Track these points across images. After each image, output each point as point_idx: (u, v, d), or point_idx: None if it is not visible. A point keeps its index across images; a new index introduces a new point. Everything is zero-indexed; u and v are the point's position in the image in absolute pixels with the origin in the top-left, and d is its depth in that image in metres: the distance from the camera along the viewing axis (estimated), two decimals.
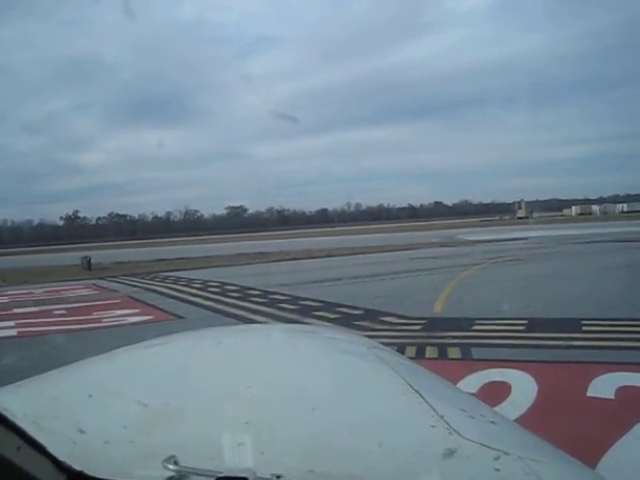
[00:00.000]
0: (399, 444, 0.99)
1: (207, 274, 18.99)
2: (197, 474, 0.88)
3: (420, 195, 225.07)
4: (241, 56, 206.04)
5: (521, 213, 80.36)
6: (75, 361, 1.51)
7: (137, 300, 13.17)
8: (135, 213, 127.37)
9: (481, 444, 0.97)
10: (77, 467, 0.90)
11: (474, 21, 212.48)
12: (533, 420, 3.81)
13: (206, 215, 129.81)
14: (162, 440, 1.01)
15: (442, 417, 1.05)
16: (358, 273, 16.15)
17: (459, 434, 0.99)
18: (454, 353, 6.27)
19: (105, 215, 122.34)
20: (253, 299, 12.07)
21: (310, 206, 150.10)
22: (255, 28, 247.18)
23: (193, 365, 1.42)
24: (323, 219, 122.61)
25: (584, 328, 7.10)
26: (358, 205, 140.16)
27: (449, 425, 1.02)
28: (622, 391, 4.44)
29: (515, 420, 2.11)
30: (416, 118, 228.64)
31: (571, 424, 3.82)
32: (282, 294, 12.41)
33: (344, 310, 9.72)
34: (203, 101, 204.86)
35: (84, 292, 15.86)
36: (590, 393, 4.50)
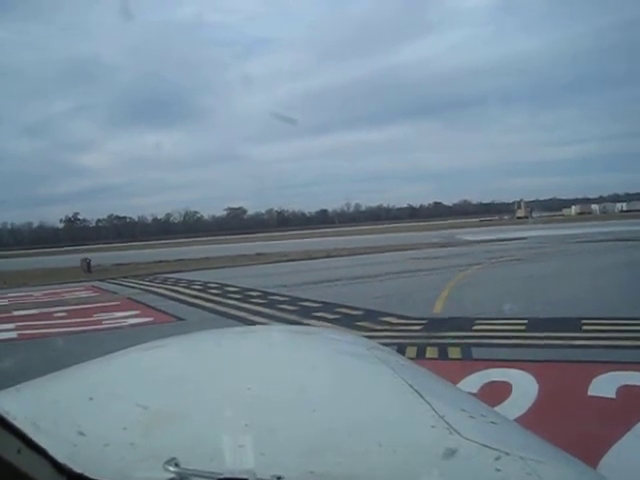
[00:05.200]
0: (399, 444, 0.99)
1: (207, 275, 18.99)
2: (198, 476, 0.88)
3: (420, 195, 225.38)
4: (241, 57, 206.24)
5: (520, 213, 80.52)
6: (75, 364, 1.51)
7: (137, 302, 13.16)
8: (135, 215, 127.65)
9: (482, 444, 0.97)
10: (77, 469, 0.90)
11: (475, 21, 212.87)
12: (534, 420, 3.81)
13: (206, 216, 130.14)
14: (162, 442, 1.01)
15: (442, 417, 1.05)
16: (358, 274, 16.14)
17: (459, 434, 0.99)
18: (454, 353, 6.26)
19: (105, 217, 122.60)
20: (253, 300, 12.06)
21: (310, 207, 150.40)
22: (255, 29, 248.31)
23: (193, 367, 1.42)
24: (323, 220, 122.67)
25: (584, 327, 7.10)
26: (358, 206, 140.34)
27: (449, 425, 1.02)
28: (623, 390, 4.43)
29: (516, 420, 2.11)
30: (416, 118, 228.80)
31: (572, 423, 3.82)
32: (282, 295, 12.41)
33: (344, 311, 9.71)
34: (203, 102, 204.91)
35: (84, 294, 15.85)
36: (591, 392, 4.49)
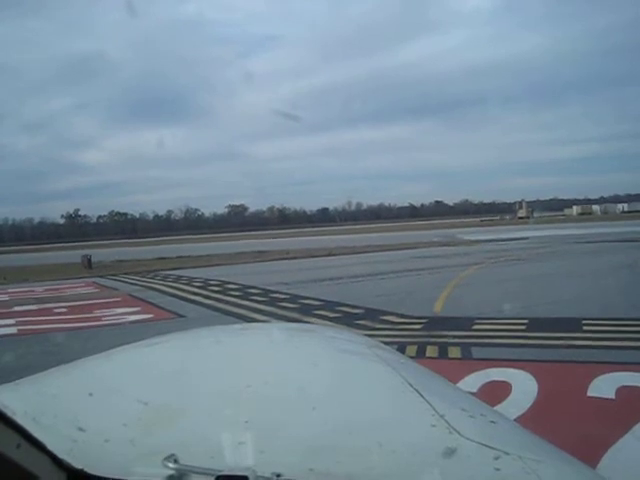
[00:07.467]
0: (399, 443, 0.99)
1: (208, 272, 18.99)
2: (197, 473, 0.88)
3: (421, 194, 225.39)
4: (244, 55, 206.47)
5: (522, 213, 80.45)
6: (75, 359, 1.51)
7: (138, 298, 13.17)
8: (136, 212, 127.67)
9: (481, 444, 0.97)
10: (77, 465, 0.90)
11: (476, 21, 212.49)
12: (533, 420, 3.80)
13: (207, 214, 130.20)
14: (162, 439, 1.01)
15: (442, 416, 1.05)
16: (359, 272, 16.14)
17: (459, 433, 0.99)
18: (454, 352, 6.26)
19: (106, 213, 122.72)
20: (254, 298, 12.07)
21: (311, 205, 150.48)
22: (258, 27, 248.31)
23: (193, 364, 1.41)
24: (324, 218, 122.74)
25: (585, 328, 7.09)
26: (359, 204, 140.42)
27: (449, 424, 1.02)
28: (622, 391, 4.43)
29: (515, 419, 2.11)
30: (417, 117, 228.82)
31: (571, 424, 3.81)
32: (283, 293, 12.42)
33: (345, 309, 9.72)
34: (205, 100, 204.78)
35: (84, 290, 15.86)
36: (590, 393, 4.49)
